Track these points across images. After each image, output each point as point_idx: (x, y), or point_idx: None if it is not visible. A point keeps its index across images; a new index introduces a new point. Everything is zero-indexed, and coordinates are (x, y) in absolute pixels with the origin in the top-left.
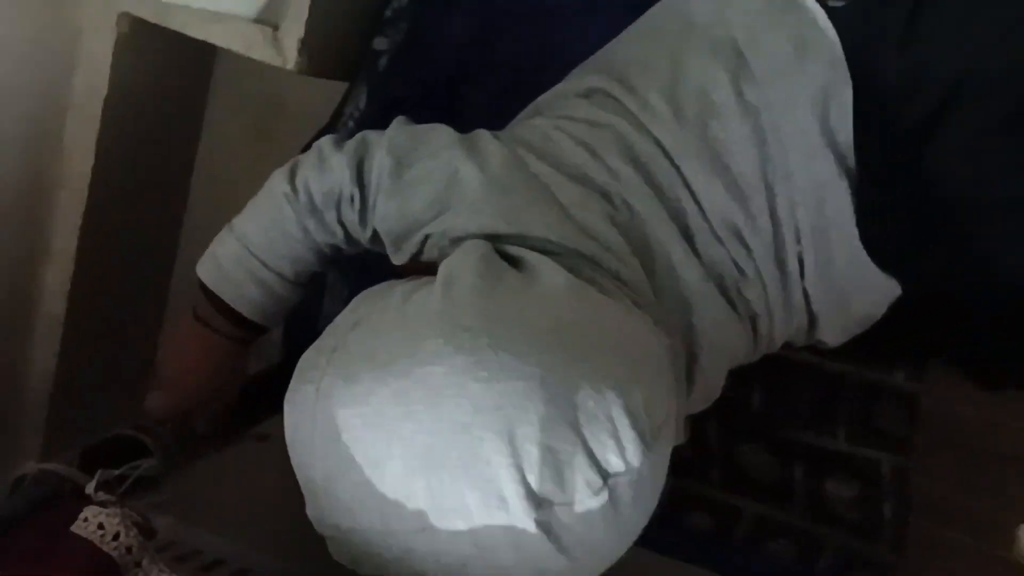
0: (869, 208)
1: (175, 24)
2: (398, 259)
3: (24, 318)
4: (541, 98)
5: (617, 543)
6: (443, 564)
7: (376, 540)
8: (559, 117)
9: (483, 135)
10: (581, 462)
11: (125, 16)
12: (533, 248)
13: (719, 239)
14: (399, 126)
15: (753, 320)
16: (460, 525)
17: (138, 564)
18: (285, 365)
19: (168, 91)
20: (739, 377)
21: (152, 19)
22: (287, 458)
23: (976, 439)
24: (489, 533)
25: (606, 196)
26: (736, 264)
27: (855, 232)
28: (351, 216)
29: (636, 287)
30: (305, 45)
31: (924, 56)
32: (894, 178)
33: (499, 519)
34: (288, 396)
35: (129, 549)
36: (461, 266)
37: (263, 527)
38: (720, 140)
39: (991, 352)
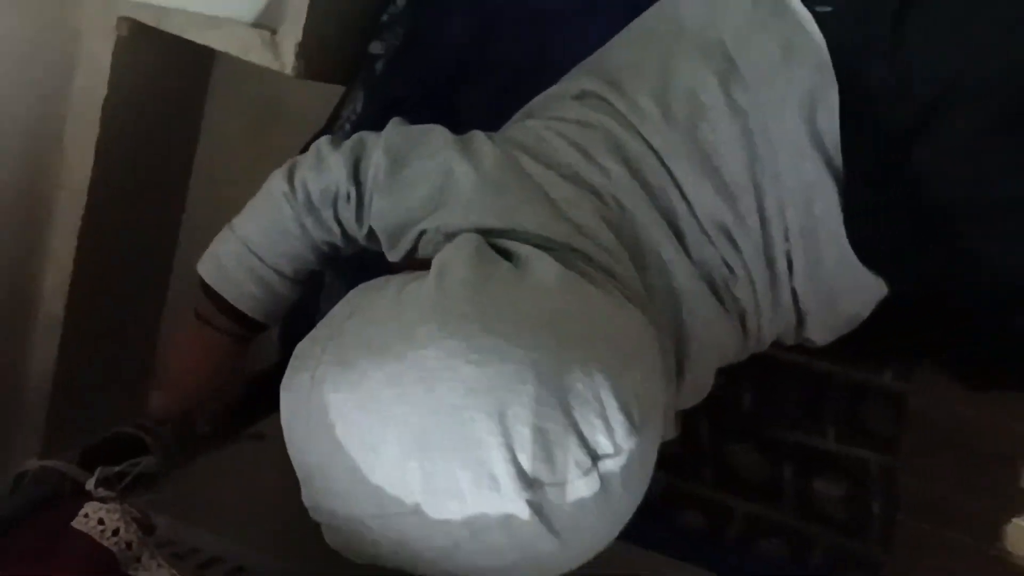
0: (857, 208)
1: (174, 28)
2: (394, 256)
3: (24, 318)
4: (534, 100)
5: (607, 526)
6: (436, 547)
7: (370, 524)
8: (551, 118)
9: (478, 136)
10: (571, 443)
11: (125, 20)
12: (526, 243)
13: (709, 238)
14: (395, 127)
15: (742, 318)
16: (452, 506)
17: (138, 560)
18: (282, 365)
19: (167, 94)
20: (730, 377)
21: (151, 23)
22: (283, 458)
23: (963, 438)
24: (481, 514)
25: (597, 195)
26: (726, 263)
27: (843, 232)
28: (348, 214)
29: (627, 283)
30: (303, 49)
31: (911, 60)
32: (882, 179)
33: (490, 499)
34: (284, 384)
35: (129, 545)
36: (454, 258)
37: (259, 526)
38: (709, 141)
39: (979, 352)
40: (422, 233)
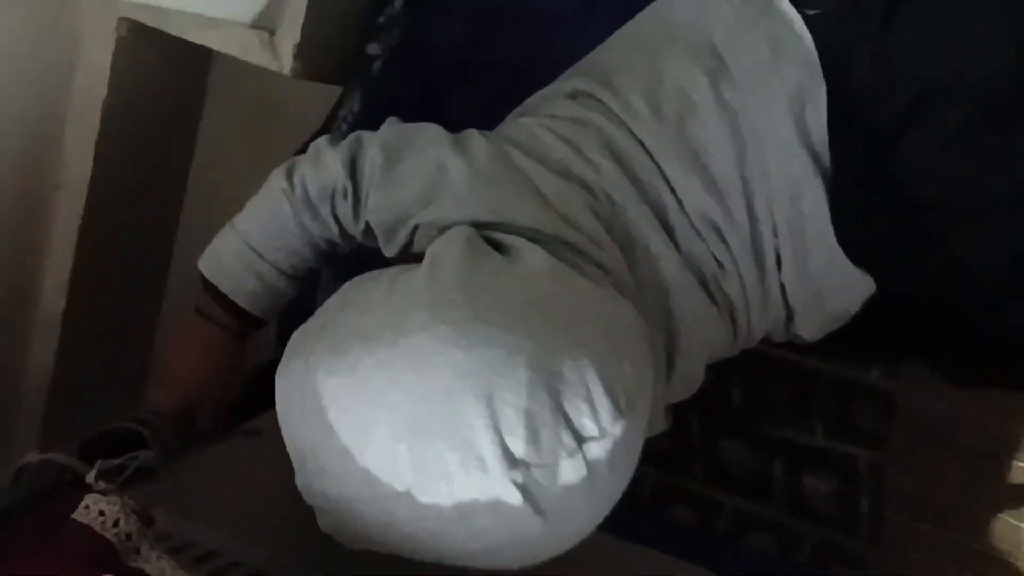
0: (844, 206)
1: (173, 29)
2: (390, 251)
3: (24, 316)
4: (529, 100)
5: (593, 508)
6: (425, 529)
7: (361, 507)
8: (544, 116)
9: (471, 133)
10: (557, 425)
11: (124, 20)
12: (518, 236)
13: (698, 233)
14: (391, 125)
15: (732, 313)
16: (441, 488)
17: (137, 551)
18: (279, 362)
19: (166, 94)
20: (720, 374)
21: (151, 23)
22: (280, 453)
23: (951, 435)
24: (469, 495)
25: (588, 189)
26: (715, 258)
27: (831, 229)
28: (345, 210)
29: (617, 275)
30: (301, 50)
31: (896, 60)
32: (869, 177)
33: (478, 480)
34: (279, 371)
35: (129, 536)
36: (446, 248)
37: (255, 521)
38: (699, 139)
39: (965, 350)
40: (416, 227)
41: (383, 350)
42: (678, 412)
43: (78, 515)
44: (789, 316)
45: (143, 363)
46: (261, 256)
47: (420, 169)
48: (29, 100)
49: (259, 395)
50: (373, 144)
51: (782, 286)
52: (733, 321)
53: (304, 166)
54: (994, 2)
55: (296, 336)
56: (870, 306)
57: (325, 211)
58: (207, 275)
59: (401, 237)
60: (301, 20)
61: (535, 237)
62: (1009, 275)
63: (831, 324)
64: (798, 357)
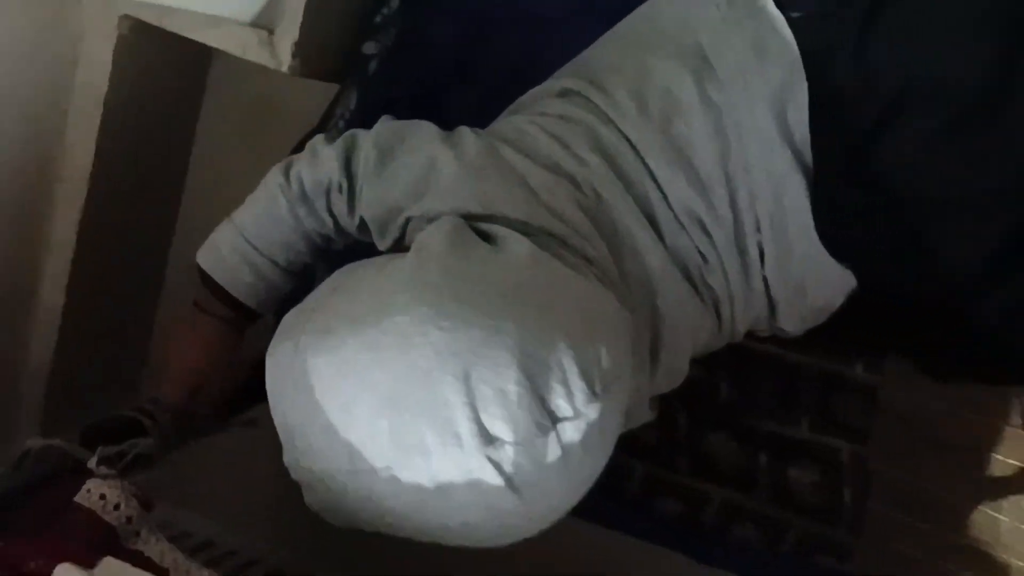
0: (825, 202)
1: (174, 27)
2: (383, 244)
3: (24, 308)
4: (520, 99)
5: (566, 488)
6: (404, 503)
7: (344, 482)
8: (534, 114)
9: (462, 130)
10: (531, 404)
11: (126, 18)
12: (505, 227)
13: (683, 227)
14: (385, 123)
15: (716, 306)
16: (419, 463)
17: (137, 533)
18: None
19: (166, 91)
20: (706, 368)
21: (152, 21)
22: (276, 445)
23: (932, 429)
24: (445, 470)
25: (575, 183)
26: (699, 251)
27: (811, 224)
28: (340, 205)
29: (602, 267)
30: (299, 48)
31: (875, 62)
32: (848, 175)
33: (455, 456)
34: (269, 351)
35: (129, 519)
36: (433, 236)
37: (251, 511)
38: (683, 136)
39: (941, 345)
40: (408, 220)
41: (367, 331)
42: (665, 406)
43: (80, 498)
44: (772, 309)
45: (141, 356)
46: (258, 250)
47: (412, 164)
48: (32, 96)
49: (257, 387)
50: (367, 141)
51: (765, 280)
52: (717, 314)
53: (301, 163)
54: (972, 4)
55: (287, 318)
56: (852, 301)
57: (321, 206)
58: (205, 268)
59: (394, 230)
60: (300, 19)
61: (522, 229)
62: (985, 271)
63: (814, 318)
64: (783, 351)
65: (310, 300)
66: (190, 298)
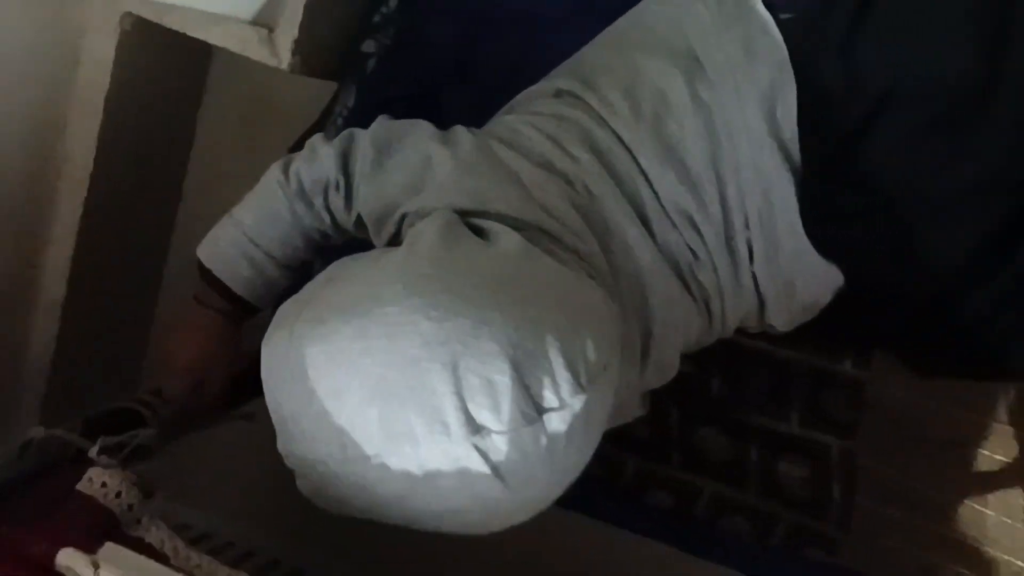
0: (812, 199)
1: (175, 24)
2: (379, 241)
3: (25, 300)
4: (515, 99)
5: (551, 478)
6: (393, 490)
7: (335, 469)
8: (528, 113)
9: (458, 129)
10: (517, 395)
11: (128, 15)
12: (498, 223)
13: (674, 224)
14: (382, 122)
15: (707, 302)
16: (407, 450)
17: (138, 521)
18: None
19: (167, 87)
20: (698, 364)
21: (154, 19)
22: (271, 438)
23: (919, 425)
24: (433, 457)
25: (567, 180)
26: (690, 248)
27: (799, 221)
28: (337, 202)
29: (593, 263)
30: (298, 46)
31: (861, 62)
32: (835, 173)
33: (442, 443)
34: (265, 340)
35: (130, 507)
36: (426, 229)
37: (247, 503)
38: (674, 135)
39: (925, 342)
40: (404, 217)
41: (359, 320)
42: (658, 402)
43: (82, 486)
44: (762, 305)
45: (141, 349)
46: (256, 245)
47: (408, 162)
48: (35, 91)
49: (255, 381)
50: (364, 140)
51: (754, 276)
52: (708, 310)
53: (299, 161)
54: (957, 5)
55: (282, 308)
56: (840, 298)
57: (319, 203)
58: (204, 262)
59: (390, 227)
60: (299, 18)
61: (514, 225)
62: (969, 266)
63: (803, 314)
64: (773, 348)
65: (305, 291)
66: (189, 292)
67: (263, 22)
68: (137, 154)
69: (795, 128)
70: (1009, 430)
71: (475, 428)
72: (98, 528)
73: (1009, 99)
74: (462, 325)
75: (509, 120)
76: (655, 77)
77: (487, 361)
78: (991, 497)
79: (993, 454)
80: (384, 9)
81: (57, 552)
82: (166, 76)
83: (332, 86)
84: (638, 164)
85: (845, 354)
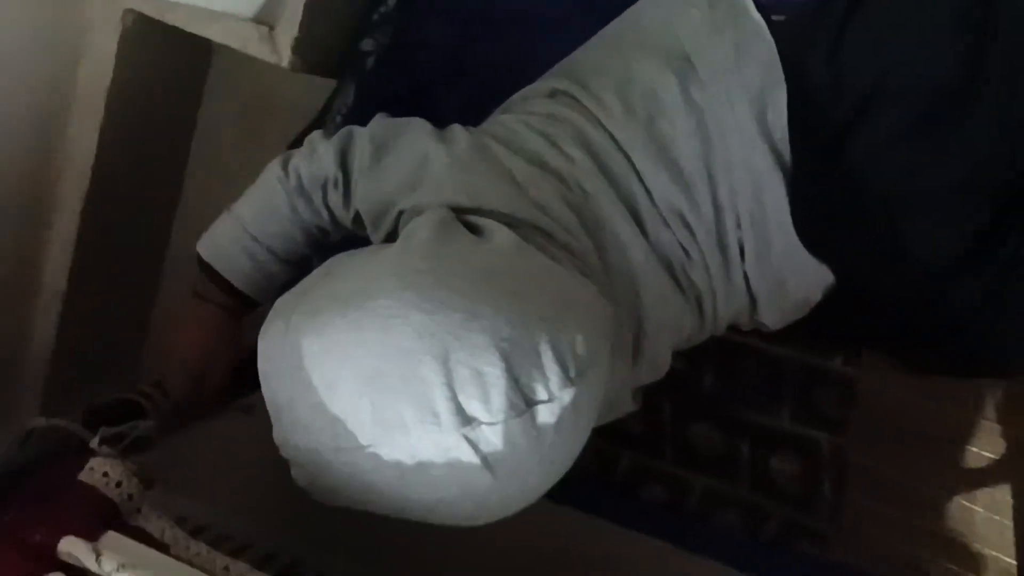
0: (802, 198)
1: (177, 21)
2: (377, 237)
3: (27, 293)
4: (511, 99)
5: (540, 470)
6: (384, 479)
7: (329, 458)
8: (524, 113)
9: (454, 127)
10: (507, 386)
11: (130, 12)
12: (492, 220)
13: (666, 223)
14: (380, 120)
15: (699, 300)
16: (399, 440)
17: (138, 510)
18: None
19: (168, 83)
20: (691, 361)
21: (155, 16)
22: (270, 431)
23: (908, 421)
24: (424, 447)
25: (561, 179)
26: (682, 246)
27: (790, 220)
28: (336, 199)
29: (586, 260)
30: (298, 44)
31: (848, 62)
32: (824, 171)
33: (432, 434)
34: (262, 331)
35: (131, 496)
36: (421, 226)
37: (245, 496)
38: (667, 135)
39: (914, 339)
40: (401, 213)
41: (354, 312)
42: (650, 397)
43: (84, 476)
44: (753, 304)
45: (140, 342)
46: (256, 240)
47: (405, 159)
48: (37, 86)
49: (254, 374)
50: (363, 137)
51: (745, 275)
52: (700, 308)
53: (298, 157)
54: (941, 8)
55: (280, 300)
56: (830, 296)
57: (317, 199)
58: (204, 256)
59: (387, 223)
60: (300, 16)
61: (508, 222)
62: (956, 264)
63: (794, 312)
64: (765, 345)
65: (303, 284)
66: (189, 286)
67: (264, 20)
68: (138, 150)
69: (786, 129)
70: (998, 427)
71: (465, 419)
72: (99, 517)
73: (992, 99)
74: (454, 318)
75: (505, 119)
76: (648, 78)
77: (477, 353)
78: (980, 493)
79: (982, 451)
80: (383, 8)
81: (59, 540)
82: (167, 73)
83: (331, 84)
84: (632, 163)
85: (836, 351)
